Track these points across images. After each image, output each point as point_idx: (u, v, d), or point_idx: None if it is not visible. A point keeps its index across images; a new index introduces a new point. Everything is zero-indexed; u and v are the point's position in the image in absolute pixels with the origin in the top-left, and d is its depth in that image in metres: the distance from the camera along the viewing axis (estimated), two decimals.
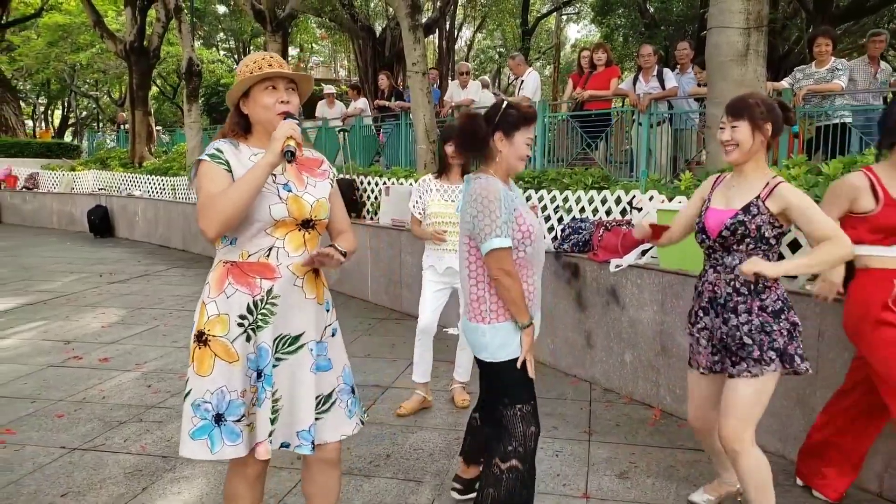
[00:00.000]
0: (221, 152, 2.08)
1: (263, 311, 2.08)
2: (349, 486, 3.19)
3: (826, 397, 3.22)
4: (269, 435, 2.09)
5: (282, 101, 2.10)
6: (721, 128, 2.57)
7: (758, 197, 2.49)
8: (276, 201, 2.07)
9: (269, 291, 2.08)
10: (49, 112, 35.87)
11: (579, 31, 48.46)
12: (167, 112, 31.60)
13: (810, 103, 6.05)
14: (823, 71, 6.05)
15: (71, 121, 35.19)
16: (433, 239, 4.00)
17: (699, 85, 6.78)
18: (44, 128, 30.20)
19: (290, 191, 2.12)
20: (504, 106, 2.46)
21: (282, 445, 2.16)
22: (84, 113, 36.22)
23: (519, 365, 2.45)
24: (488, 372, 2.55)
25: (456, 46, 26.30)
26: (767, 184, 2.50)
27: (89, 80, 30.50)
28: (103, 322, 6.50)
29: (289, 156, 2.00)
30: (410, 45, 8.09)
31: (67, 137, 32.99)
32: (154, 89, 25.78)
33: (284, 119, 2.07)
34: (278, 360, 2.12)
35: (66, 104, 34.38)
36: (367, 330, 6.17)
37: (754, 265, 2.33)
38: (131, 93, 16.73)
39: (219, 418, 2.06)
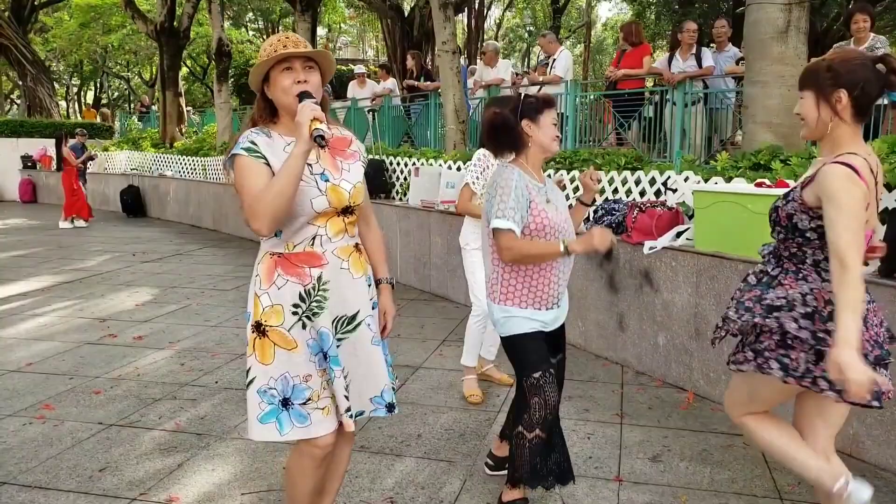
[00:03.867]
0: (257, 146, 2.05)
1: (317, 297, 2.12)
2: (381, 464, 3.21)
3: None
4: (347, 410, 2.17)
5: (299, 81, 2.05)
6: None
7: (802, 184, 2.12)
8: (317, 194, 2.08)
9: (320, 279, 2.12)
10: (82, 93, 36.40)
11: (610, 10, 47.71)
12: (197, 92, 31.85)
13: None
14: (863, 49, 5.87)
15: (103, 101, 35.67)
16: None
17: (737, 63, 6.60)
18: (86, 108, 30.44)
19: (327, 180, 2.11)
20: (522, 97, 2.61)
21: (358, 414, 2.26)
22: (116, 94, 36.71)
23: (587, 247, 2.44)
24: (504, 347, 2.71)
25: (485, 25, 26.01)
26: (824, 164, 2.02)
27: (121, 62, 30.86)
28: (137, 301, 6.60)
29: (320, 140, 1.93)
30: (440, 24, 8.01)
31: (100, 118, 33.49)
32: (184, 70, 25.95)
33: (300, 99, 2.01)
34: (340, 340, 2.18)
35: (98, 85, 34.87)
36: (397, 311, 6.16)
37: (839, 371, 1.82)
38: (162, 74, 16.90)
39: (286, 402, 2.12)
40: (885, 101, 2.05)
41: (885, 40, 6.09)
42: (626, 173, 5.21)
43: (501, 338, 2.69)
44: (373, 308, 2.31)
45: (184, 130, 16.96)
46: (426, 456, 3.31)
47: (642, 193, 5.04)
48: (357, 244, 2.25)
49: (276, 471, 3.15)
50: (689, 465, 3.19)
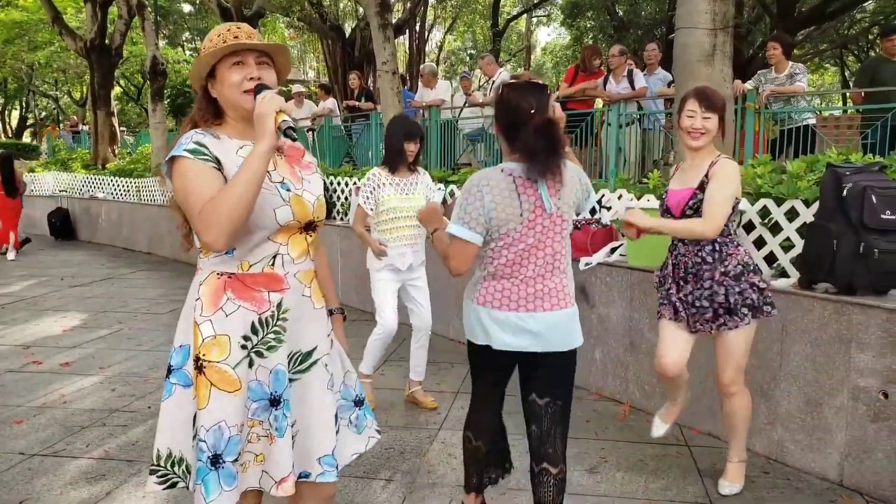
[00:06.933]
0: (205, 146, 1.75)
1: (276, 328, 1.82)
2: None
3: (789, 390, 3.29)
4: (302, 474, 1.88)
5: (251, 78, 1.78)
6: (690, 116, 2.83)
7: (706, 174, 2.82)
8: (280, 203, 1.80)
9: (279, 305, 1.82)
10: (6, 112, 34.95)
11: (549, 34, 48.93)
12: (131, 112, 31.04)
13: (777, 105, 6.18)
14: (783, 77, 6.22)
15: (30, 121, 34.34)
16: (378, 252, 3.91)
17: (668, 85, 6.86)
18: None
19: (289, 190, 1.84)
20: (545, 90, 2.33)
21: (301, 476, 1.90)
22: (43, 113, 35.39)
23: None
24: (563, 364, 2.44)
25: (427, 48, 26.29)
26: (713, 162, 2.83)
27: (48, 80, 29.82)
28: (65, 326, 6.34)
29: (290, 132, 1.70)
30: (380, 44, 8.06)
31: (26, 138, 32.22)
32: (117, 89, 25.28)
33: (257, 92, 1.75)
34: (290, 381, 1.87)
35: (24, 104, 33.55)
36: None
37: (630, 216, 2.79)
38: (93, 92, 16.39)
39: (216, 460, 1.75)
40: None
41: (804, 67, 6.44)
42: None
43: (571, 350, 2.44)
44: (331, 346, 2.02)
45: (117, 151, 16.47)
46: (366, 475, 3.27)
47: (577, 212, 5.15)
48: (315, 270, 1.98)
49: None
50: (625, 476, 3.25)
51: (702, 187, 2.83)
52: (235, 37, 1.79)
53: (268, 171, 1.76)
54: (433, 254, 2.56)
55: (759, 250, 3.78)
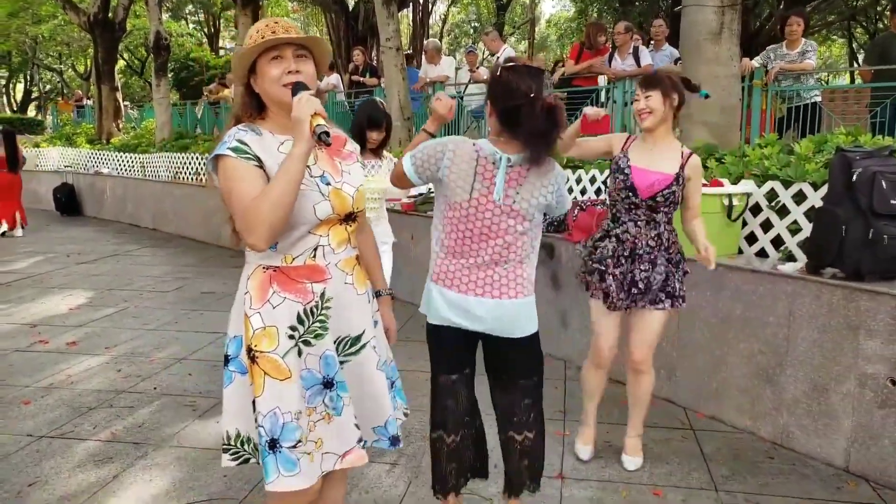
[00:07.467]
0: (247, 145, 1.80)
1: (321, 317, 1.89)
2: None
3: (796, 376, 3.28)
4: (360, 441, 1.96)
5: (290, 72, 1.83)
6: (636, 100, 2.92)
7: (682, 167, 2.88)
8: (320, 199, 1.85)
9: (323, 295, 1.89)
10: (10, 86, 34.82)
11: (554, 6, 48.20)
12: (135, 86, 30.89)
13: (785, 82, 6.09)
14: (794, 53, 6.11)
15: (34, 95, 34.22)
16: None
17: (675, 63, 6.76)
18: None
19: (328, 184, 1.89)
20: (543, 74, 2.29)
21: (358, 441, 2.00)
22: (48, 87, 35.26)
23: None
24: (520, 347, 2.44)
25: (430, 20, 25.95)
26: (682, 153, 2.92)
27: (52, 53, 29.66)
28: (71, 304, 6.36)
29: (325, 138, 1.72)
30: (384, 20, 7.96)
31: (31, 112, 32.13)
32: (121, 63, 25.11)
33: (294, 91, 1.79)
34: (342, 363, 1.95)
35: (28, 77, 33.42)
36: None
37: (707, 253, 2.81)
38: (97, 67, 16.27)
39: (273, 444, 1.82)
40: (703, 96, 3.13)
41: (815, 45, 6.35)
42: (567, 172, 5.28)
43: (532, 335, 2.43)
44: (375, 326, 2.09)
45: (121, 126, 16.41)
46: (371, 459, 3.28)
47: (583, 192, 5.12)
48: (357, 255, 2.03)
49: (217, 480, 3.08)
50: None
51: (678, 180, 2.87)
52: (273, 32, 1.83)
53: (308, 166, 1.82)
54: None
55: (765, 233, 3.74)
